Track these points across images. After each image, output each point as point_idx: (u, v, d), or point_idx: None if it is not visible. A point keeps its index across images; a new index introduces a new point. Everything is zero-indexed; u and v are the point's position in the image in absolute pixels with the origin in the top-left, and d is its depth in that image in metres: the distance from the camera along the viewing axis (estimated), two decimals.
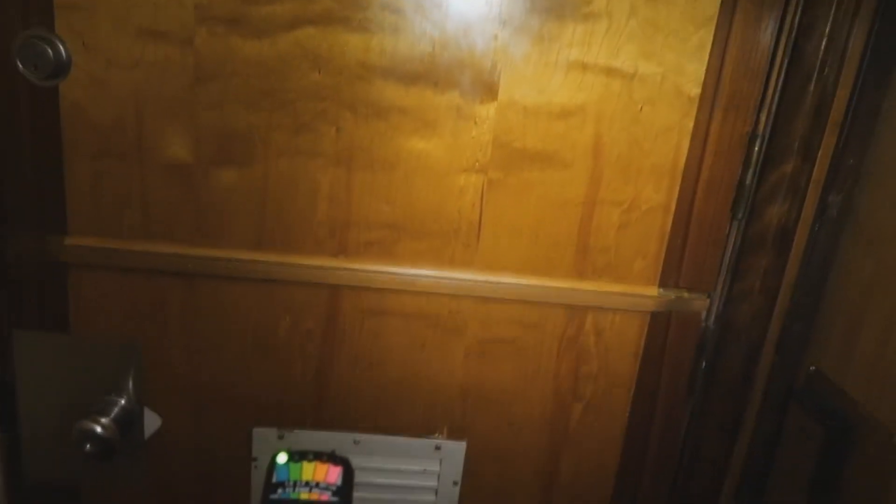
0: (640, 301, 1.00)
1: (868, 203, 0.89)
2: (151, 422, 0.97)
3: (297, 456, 0.86)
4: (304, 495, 0.82)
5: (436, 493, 1.07)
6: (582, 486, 1.11)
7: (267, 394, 1.01)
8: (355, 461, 1.02)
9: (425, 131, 0.91)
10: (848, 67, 0.89)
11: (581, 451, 1.09)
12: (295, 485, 0.83)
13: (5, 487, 0.94)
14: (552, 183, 0.94)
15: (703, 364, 1.03)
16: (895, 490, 0.78)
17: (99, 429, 0.82)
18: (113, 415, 0.85)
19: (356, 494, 1.00)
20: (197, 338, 0.97)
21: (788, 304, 0.97)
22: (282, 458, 0.86)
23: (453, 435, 1.06)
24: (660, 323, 1.02)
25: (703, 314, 1.02)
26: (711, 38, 0.90)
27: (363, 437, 1.04)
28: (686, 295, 1.00)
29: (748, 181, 0.96)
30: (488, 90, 0.90)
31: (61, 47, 0.82)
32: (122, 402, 0.86)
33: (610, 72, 0.90)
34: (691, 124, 0.93)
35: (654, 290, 1.00)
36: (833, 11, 0.87)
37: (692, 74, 0.91)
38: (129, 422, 0.86)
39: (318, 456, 0.87)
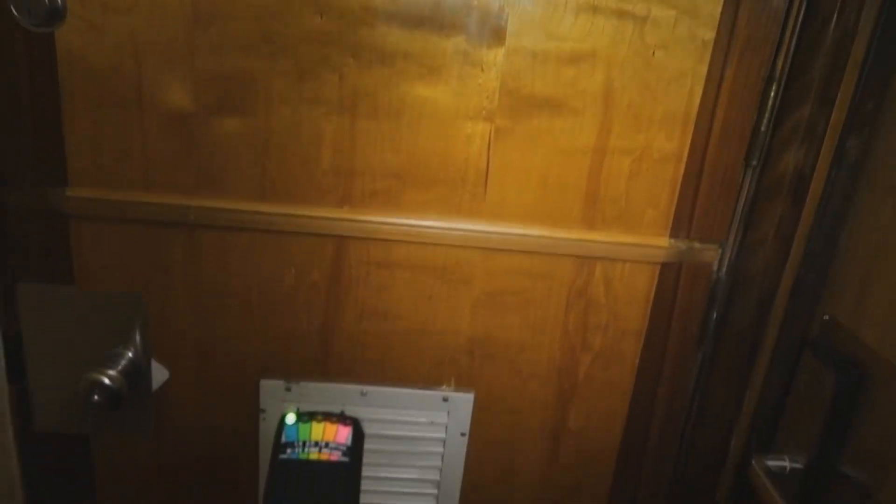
0: (650, 252, 0.99)
1: (886, 149, 0.87)
2: (159, 374, 0.98)
3: (305, 416, 0.86)
4: (313, 455, 0.82)
5: (444, 444, 1.08)
6: (590, 437, 1.11)
7: (273, 346, 1.01)
8: (363, 413, 1.03)
9: (431, 77, 0.88)
10: (869, 6, 0.85)
11: (590, 402, 1.09)
12: (304, 445, 0.83)
13: (15, 438, 0.95)
14: (561, 131, 0.92)
15: (714, 315, 1.02)
16: None
17: (107, 380, 0.83)
18: (120, 367, 0.85)
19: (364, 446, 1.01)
20: (201, 290, 0.97)
21: (803, 253, 0.95)
22: (290, 418, 0.86)
23: (461, 386, 1.06)
24: (670, 274, 1.00)
25: (715, 264, 1.00)
26: None
27: (371, 388, 1.04)
28: (697, 245, 0.99)
29: (763, 127, 0.93)
30: (495, 34, 0.87)
31: None
32: (130, 354, 0.86)
33: (622, 14, 0.87)
34: (705, 70, 0.91)
35: (664, 241, 0.99)
36: None
37: (707, 17, 0.88)
38: (136, 373, 0.87)
39: (328, 416, 0.87)
